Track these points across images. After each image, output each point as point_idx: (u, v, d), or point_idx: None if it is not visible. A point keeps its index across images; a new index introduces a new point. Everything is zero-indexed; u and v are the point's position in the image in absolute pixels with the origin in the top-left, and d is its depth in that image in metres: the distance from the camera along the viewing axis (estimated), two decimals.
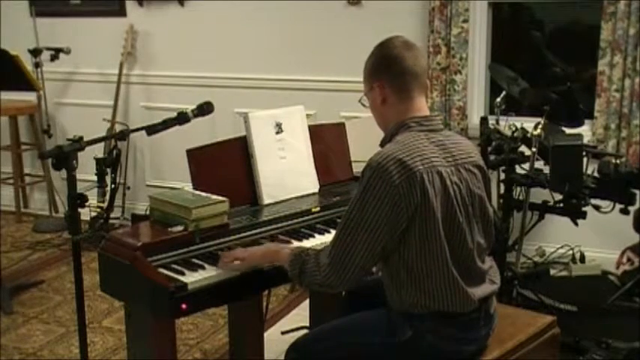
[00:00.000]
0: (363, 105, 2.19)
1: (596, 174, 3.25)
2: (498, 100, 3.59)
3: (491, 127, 3.51)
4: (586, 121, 3.73)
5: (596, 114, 3.95)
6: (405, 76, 2.04)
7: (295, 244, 2.34)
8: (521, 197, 3.40)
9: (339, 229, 1.99)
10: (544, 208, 3.39)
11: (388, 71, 2.06)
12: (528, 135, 3.33)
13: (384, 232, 1.93)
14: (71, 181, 2.11)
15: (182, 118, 2.37)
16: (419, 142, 2.00)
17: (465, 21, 4.12)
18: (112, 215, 4.67)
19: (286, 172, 2.60)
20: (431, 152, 1.98)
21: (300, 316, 3.52)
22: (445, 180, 1.96)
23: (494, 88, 4.24)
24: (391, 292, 2.06)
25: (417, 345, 2.04)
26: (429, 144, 2.01)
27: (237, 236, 2.31)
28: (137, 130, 2.37)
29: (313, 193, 2.68)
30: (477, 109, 4.31)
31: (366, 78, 2.13)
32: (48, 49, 4.85)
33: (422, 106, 2.09)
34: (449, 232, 1.97)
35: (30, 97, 5.02)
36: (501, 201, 3.45)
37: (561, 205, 3.30)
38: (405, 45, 2.08)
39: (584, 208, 3.23)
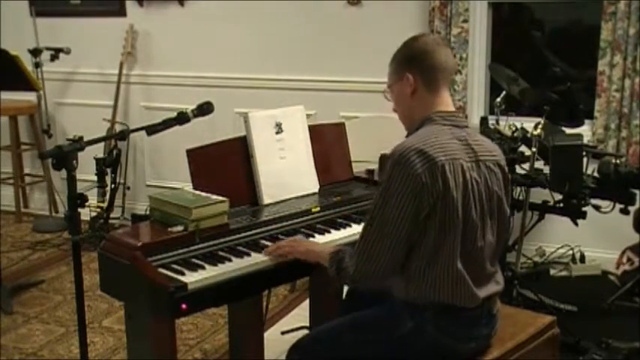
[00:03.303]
0: (387, 98, 2.19)
1: (596, 174, 3.25)
2: (498, 100, 3.59)
3: (491, 127, 3.51)
4: (586, 121, 3.73)
5: (596, 114, 3.95)
6: (437, 70, 2.07)
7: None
8: (521, 197, 3.40)
9: (365, 222, 2.02)
10: (544, 208, 3.39)
11: (421, 63, 2.08)
12: (528, 135, 3.33)
13: (409, 221, 1.94)
14: (71, 181, 2.10)
15: (182, 118, 2.37)
16: (441, 134, 2.02)
17: (465, 21, 4.12)
18: (112, 215, 4.71)
19: (286, 172, 2.60)
20: (452, 145, 2.00)
21: (300, 316, 3.52)
22: (465, 173, 1.98)
23: (494, 88, 4.24)
24: (398, 280, 2.07)
25: (418, 338, 2.05)
26: (452, 138, 2.03)
27: (237, 236, 2.31)
28: (137, 130, 2.36)
29: (313, 193, 2.68)
30: (477, 109, 4.31)
31: (396, 69, 2.13)
32: (48, 49, 4.86)
33: (448, 101, 2.11)
34: (463, 226, 1.98)
35: (30, 97, 5.02)
36: None
37: (561, 205, 3.30)
38: (437, 41, 2.13)
39: (584, 208, 3.23)
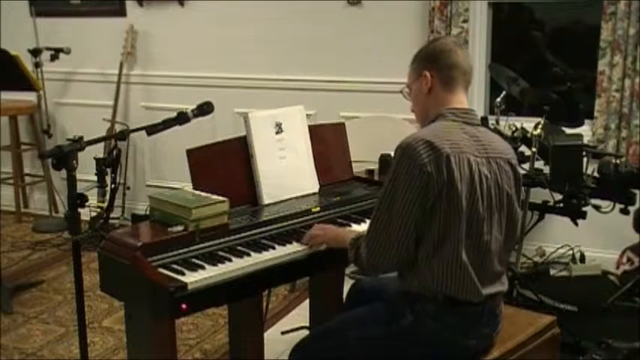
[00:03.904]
0: (405, 97, 2.25)
1: (596, 174, 3.25)
2: (498, 100, 3.59)
3: (491, 127, 3.51)
4: (586, 121, 3.73)
5: (596, 114, 3.95)
6: (455, 69, 2.12)
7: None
8: (521, 197, 3.40)
9: (374, 210, 2.06)
10: (544, 208, 3.39)
11: (439, 61, 2.13)
12: (528, 135, 3.33)
13: (416, 210, 1.97)
14: (71, 181, 2.10)
15: (182, 118, 2.37)
16: (450, 129, 2.06)
17: (465, 21, 4.12)
18: (112, 215, 4.70)
19: (286, 172, 2.60)
20: (461, 140, 2.03)
21: (300, 316, 3.52)
22: (472, 167, 2.01)
23: (494, 88, 4.24)
24: (404, 270, 2.09)
25: (418, 331, 2.06)
26: (462, 133, 2.06)
27: (237, 236, 2.31)
28: (137, 130, 2.37)
29: (313, 193, 2.67)
30: (477, 109, 4.29)
31: (415, 68, 2.19)
32: (48, 49, 4.86)
33: (463, 100, 2.15)
34: (468, 219, 2.00)
35: (30, 97, 5.02)
36: None
37: (561, 205, 3.30)
38: (457, 43, 2.20)
39: (584, 208, 3.23)
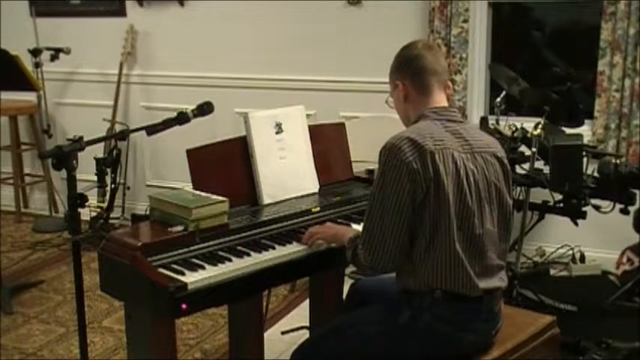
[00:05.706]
0: (390, 106, 2.29)
1: (596, 174, 3.25)
2: (498, 100, 3.59)
3: (491, 127, 3.51)
4: (586, 121, 3.73)
5: (596, 114, 3.95)
6: (425, 73, 2.15)
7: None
8: (521, 197, 3.40)
9: (366, 212, 2.08)
10: (544, 208, 3.39)
11: (409, 70, 2.17)
12: (528, 135, 3.33)
13: (406, 207, 2.00)
14: (71, 181, 2.10)
15: (182, 118, 2.37)
16: (433, 127, 2.09)
17: (465, 21, 4.12)
18: (112, 215, 4.71)
19: (286, 172, 2.61)
20: (444, 137, 2.06)
21: (300, 316, 3.52)
22: (457, 162, 2.03)
23: (494, 88, 4.24)
24: (401, 269, 2.10)
25: (415, 326, 2.07)
26: (444, 130, 2.09)
27: (237, 236, 2.31)
28: (137, 130, 2.37)
29: (313, 193, 2.68)
30: (477, 109, 4.31)
31: (390, 77, 2.24)
32: (48, 49, 4.86)
33: (441, 100, 2.18)
34: (458, 212, 2.02)
35: (30, 97, 5.02)
36: None
37: (561, 205, 3.30)
38: (425, 46, 2.21)
39: (584, 208, 3.23)
